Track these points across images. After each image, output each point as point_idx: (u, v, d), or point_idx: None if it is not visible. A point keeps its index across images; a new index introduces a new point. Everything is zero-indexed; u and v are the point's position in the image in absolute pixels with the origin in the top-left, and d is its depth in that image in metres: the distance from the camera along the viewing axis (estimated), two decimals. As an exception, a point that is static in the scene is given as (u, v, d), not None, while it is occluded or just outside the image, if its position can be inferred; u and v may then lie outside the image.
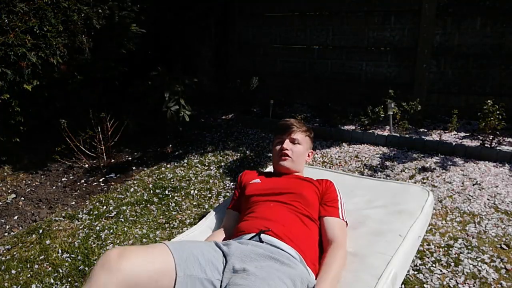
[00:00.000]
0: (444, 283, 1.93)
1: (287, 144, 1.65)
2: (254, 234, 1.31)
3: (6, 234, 2.53)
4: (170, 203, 2.82)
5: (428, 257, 2.11)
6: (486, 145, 3.37)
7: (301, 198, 1.48)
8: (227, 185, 3.09)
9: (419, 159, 3.38)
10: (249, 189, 1.62)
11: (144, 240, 2.39)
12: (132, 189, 3.06)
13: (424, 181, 2.99)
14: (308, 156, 1.75)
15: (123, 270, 1.02)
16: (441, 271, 2.01)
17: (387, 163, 3.34)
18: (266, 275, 1.08)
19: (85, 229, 2.52)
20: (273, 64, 5.09)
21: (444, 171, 3.14)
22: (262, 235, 1.29)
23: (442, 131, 3.80)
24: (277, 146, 1.69)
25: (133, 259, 1.05)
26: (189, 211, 2.71)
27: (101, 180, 3.25)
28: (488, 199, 2.69)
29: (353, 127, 4.02)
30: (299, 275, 1.16)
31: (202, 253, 1.19)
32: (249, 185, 1.65)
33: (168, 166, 3.50)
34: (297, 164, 1.67)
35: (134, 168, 3.49)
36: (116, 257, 1.04)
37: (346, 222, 1.48)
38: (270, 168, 1.97)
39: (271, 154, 3.66)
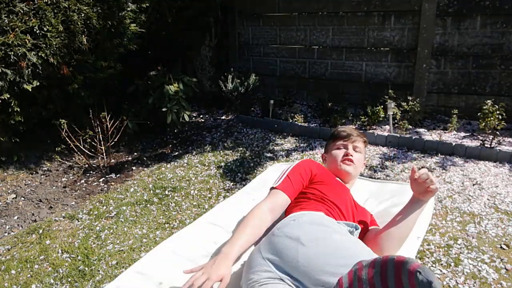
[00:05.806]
0: (444, 283, 1.93)
1: (351, 150, 1.67)
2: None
3: (6, 234, 2.53)
4: (170, 203, 2.82)
5: (428, 257, 2.11)
6: (486, 145, 3.37)
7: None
8: (227, 185, 3.09)
9: (419, 159, 3.38)
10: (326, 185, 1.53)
11: (144, 240, 2.39)
12: (132, 189, 3.06)
13: (424, 181, 2.98)
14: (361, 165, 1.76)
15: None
16: (441, 271, 2.01)
17: (387, 163, 3.34)
18: None
19: (85, 229, 2.52)
20: (273, 64, 5.09)
21: (444, 171, 3.14)
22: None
23: (442, 131, 3.80)
24: (339, 151, 1.68)
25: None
26: (189, 211, 2.71)
27: (101, 180, 3.25)
28: (488, 199, 2.69)
29: (353, 127, 4.01)
30: None
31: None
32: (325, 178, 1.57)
33: (168, 166, 3.50)
34: (357, 172, 1.69)
35: (134, 168, 3.49)
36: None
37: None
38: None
39: (270, 154, 3.69)
